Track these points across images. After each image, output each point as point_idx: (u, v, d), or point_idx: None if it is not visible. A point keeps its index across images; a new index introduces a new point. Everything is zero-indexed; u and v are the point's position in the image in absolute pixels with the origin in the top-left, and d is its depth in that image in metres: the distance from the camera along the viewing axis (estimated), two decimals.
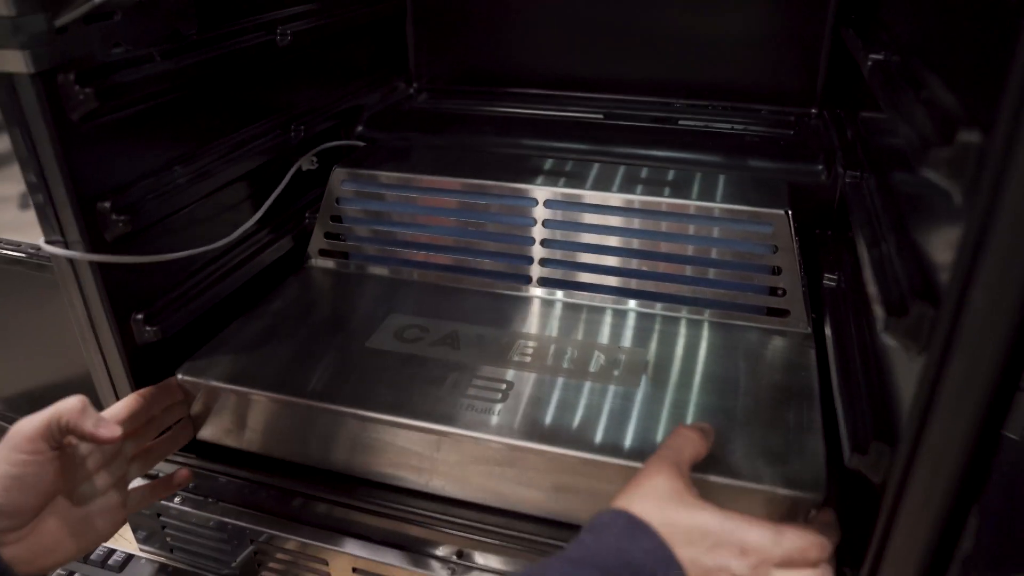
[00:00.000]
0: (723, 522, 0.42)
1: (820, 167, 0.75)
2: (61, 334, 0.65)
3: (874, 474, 0.44)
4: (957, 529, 0.36)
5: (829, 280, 0.66)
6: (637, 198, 0.67)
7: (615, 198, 0.68)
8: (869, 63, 0.59)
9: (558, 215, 0.69)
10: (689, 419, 0.54)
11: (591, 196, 0.68)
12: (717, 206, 0.65)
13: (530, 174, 0.72)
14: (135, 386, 0.59)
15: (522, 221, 0.70)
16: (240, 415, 0.60)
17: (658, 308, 0.68)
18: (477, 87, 1.01)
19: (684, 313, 0.67)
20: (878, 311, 0.42)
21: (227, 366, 0.61)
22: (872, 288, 0.44)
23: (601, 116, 0.90)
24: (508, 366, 0.60)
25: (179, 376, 0.60)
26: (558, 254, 0.70)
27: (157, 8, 0.58)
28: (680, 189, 0.69)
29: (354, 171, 0.74)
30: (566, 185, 0.70)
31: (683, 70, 0.92)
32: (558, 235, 0.70)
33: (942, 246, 0.38)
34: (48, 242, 0.55)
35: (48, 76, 0.50)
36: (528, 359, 0.61)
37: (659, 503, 0.42)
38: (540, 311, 0.69)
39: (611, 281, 0.69)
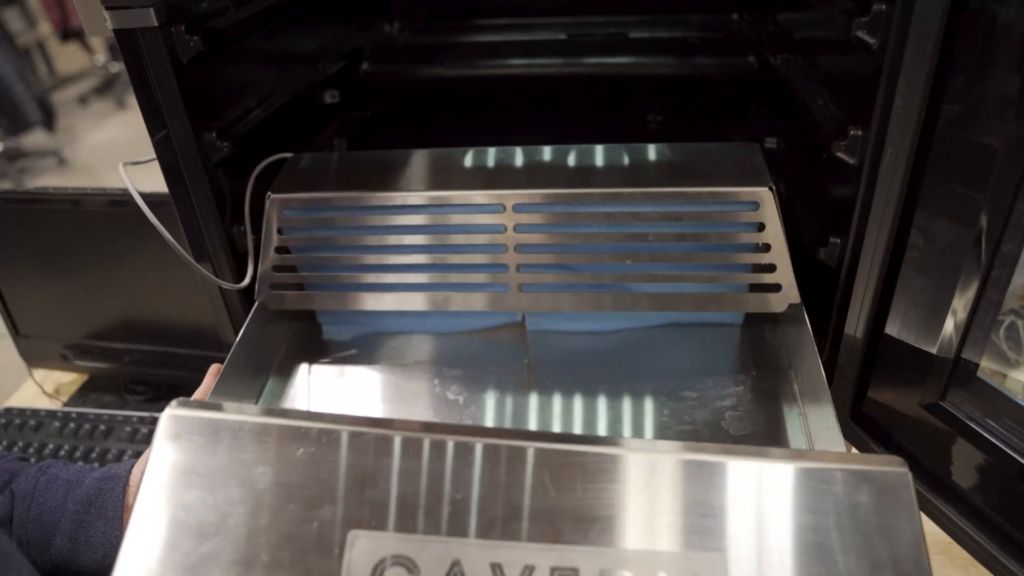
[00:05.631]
0: None
1: (752, 58, 0.93)
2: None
3: (830, 260, 0.64)
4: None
5: (769, 143, 0.85)
6: (615, 190, 0.62)
7: (591, 193, 0.62)
8: None
9: (527, 219, 0.63)
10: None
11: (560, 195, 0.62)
12: (698, 190, 0.61)
13: (492, 174, 0.66)
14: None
15: (491, 229, 0.64)
16: None
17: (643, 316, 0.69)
18: (449, 22, 1.13)
19: (661, 318, 0.70)
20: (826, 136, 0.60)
21: None
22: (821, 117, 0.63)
23: (564, 36, 1.05)
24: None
25: None
26: (531, 258, 0.65)
27: None
28: (647, 173, 0.64)
29: (293, 196, 0.66)
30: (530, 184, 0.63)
31: None
32: (531, 239, 0.64)
33: (863, 89, 0.56)
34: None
35: (166, 28, 0.61)
36: None
37: None
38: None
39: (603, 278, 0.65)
